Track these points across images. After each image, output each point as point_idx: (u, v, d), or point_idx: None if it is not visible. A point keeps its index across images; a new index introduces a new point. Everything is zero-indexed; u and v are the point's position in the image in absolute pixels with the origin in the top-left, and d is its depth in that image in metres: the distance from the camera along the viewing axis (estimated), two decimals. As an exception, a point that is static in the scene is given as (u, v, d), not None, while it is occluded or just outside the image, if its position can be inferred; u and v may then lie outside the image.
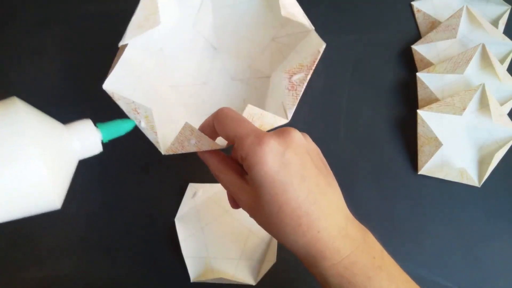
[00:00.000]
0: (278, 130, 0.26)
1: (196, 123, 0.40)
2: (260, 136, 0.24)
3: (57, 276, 0.39)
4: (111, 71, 0.33)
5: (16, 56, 0.46)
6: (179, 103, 0.43)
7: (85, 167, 0.39)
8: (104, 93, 0.46)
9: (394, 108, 0.47)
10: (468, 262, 0.42)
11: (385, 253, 0.27)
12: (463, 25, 0.46)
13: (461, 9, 0.46)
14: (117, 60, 0.34)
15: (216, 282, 0.37)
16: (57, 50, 0.47)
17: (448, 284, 0.41)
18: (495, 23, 0.50)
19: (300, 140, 0.26)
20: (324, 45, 0.33)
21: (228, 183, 0.28)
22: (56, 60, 0.46)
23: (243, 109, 0.32)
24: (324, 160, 0.29)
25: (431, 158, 0.43)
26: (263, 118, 0.32)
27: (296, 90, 0.34)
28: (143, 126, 0.32)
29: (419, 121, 0.44)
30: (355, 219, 0.27)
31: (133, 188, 0.42)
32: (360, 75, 0.48)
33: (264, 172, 0.24)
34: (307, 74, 0.33)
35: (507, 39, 0.47)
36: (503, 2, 0.51)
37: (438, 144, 0.42)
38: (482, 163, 0.44)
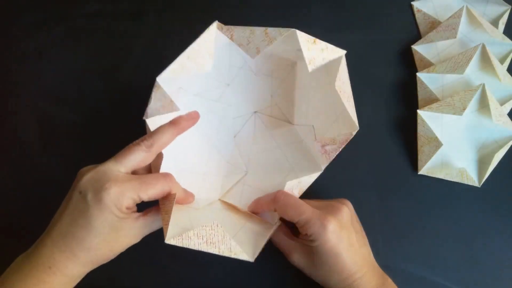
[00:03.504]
0: (332, 208, 0.34)
1: (227, 128, 0.44)
2: (322, 220, 0.32)
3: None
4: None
5: (16, 56, 0.46)
6: (209, 110, 0.42)
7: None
8: (104, 94, 0.46)
9: (394, 108, 0.47)
10: (468, 262, 0.42)
11: None
12: (463, 25, 0.46)
13: (461, 9, 0.46)
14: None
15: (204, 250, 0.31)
16: (57, 50, 0.47)
17: (448, 284, 0.41)
18: (495, 23, 0.50)
19: (348, 217, 0.34)
20: (357, 129, 0.34)
21: (282, 244, 0.37)
22: (56, 60, 0.47)
23: (271, 105, 0.37)
24: (358, 220, 0.38)
25: (431, 158, 0.43)
26: (300, 184, 0.36)
27: (329, 155, 0.36)
28: None
29: (419, 121, 0.44)
30: (378, 267, 0.36)
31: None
32: (360, 75, 0.48)
33: (326, 247, 0.32)
34: (340, 147, 0.35)
35: (507, 39, 0.47)
36: (503, 2, 0.51)
37: (438, 144, 0.42)
38: (482, 163, 0.44)
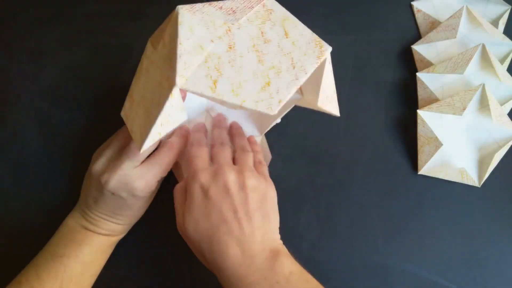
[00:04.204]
0: (217, 168, 0.32)
1: None
2: (195, 173, 0.32)
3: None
4: None
5: (16, 56, 0.46)
6: None
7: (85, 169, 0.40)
8: (104, 94, 0.46)
9: (394, 108, 0.47)
10: (468, 262, 0.42)
11: (294, 277, 0.30)
12: (463, 25, 0.46)
13: (461, 9, 0.46)
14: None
15: None
16: (57, 50, 0.47)
17: (448, 284, 0.41)
18: (495, 23, 0.50)
19: (230, 179, 0.31)
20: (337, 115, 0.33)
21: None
22: (56, 60, 0.47)
23: None
24: (269, 199, 0.33)
25: (431, 158, 0.43)
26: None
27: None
28: None
29: (419, 121, 0.44)
30: (273, 248, 0.31)
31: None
32: (360, 75, 0.48)
33: (191, 200, 0.31)
34: None
35: (507, 39, 0.47)
36: (503, 2, 0.51)
37: (438, 144, 0.42)
38: (482, 163, 0.44)
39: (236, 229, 0.30)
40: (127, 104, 0.33)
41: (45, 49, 0.47)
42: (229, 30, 0.29)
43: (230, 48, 0.28)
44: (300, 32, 0.30)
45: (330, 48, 0.29)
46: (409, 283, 0.41)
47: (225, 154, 0.34)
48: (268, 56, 0.28)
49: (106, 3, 0.49)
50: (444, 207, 0.43)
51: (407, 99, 0.47)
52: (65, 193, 0.42)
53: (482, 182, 0.44)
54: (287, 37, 0.29)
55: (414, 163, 0.45)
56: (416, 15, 0.51)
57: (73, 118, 0.45)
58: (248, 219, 0.30)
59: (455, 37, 0.46)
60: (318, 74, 0.30)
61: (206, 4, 0.29)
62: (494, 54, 0.44)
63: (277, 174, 0.44)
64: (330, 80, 0.31)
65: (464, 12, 0.46)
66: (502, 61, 0.47)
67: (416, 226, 0.43)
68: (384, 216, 0.43)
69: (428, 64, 0.47)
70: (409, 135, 0.45)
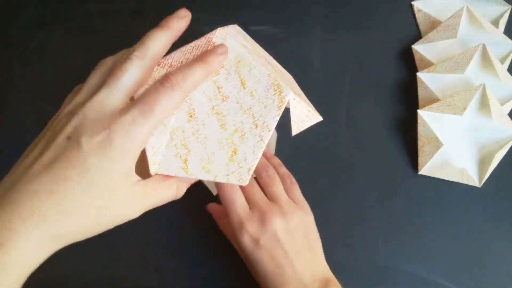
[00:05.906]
0: (261, 215, 0.33)
1: None
2: (241, 223, 0.33)
3: (57, 276, 0.39)
4: None
5: (16, 55, 0.46)
6: None
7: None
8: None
9: (394, 108, 0.47)
10: (468, 262, 0.42)
11: None
12: (464, 25, 0.46)
13: (461, 9, 0.46)
14: None
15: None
16: (57, 50, 0.47)
17: (448, 284, 0.41)
18: (495, 23, 0.50)
19: (277, 227, 0.33)
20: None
21: (213, 207, 0.39)
22: (56, 60, 0.47)
23: None
24: (310, 228, 0.36)
25: (431, 158, 0.43)
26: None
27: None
28: None
29: (419, 121, 0.44)
30: (322, 278, 0.34)
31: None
32: (360, 75, 0.48)
33: (242, 247, 0.33)
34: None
35: (507, 39, 0.47)
36: (504, 2, 0.51)
37: (438, 144, 0.42)
38: (482, 163, 0.44)
39: (288, 270, 0.32)
40: None
41: (45, 48, 0.47)
42: None
43: (191, 116, 0.28)
44: (257, 77, 0.28)
45: (290, 93, 0.28)
46: (409, 283, 0.41)
47: (257, 191, 0.35)
48: (229, 118, 0.28)
49: (106, 3, 0.49)
50: (444, 207, 0.43)
51: (407, 99, 0.47)
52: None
53: (482, 182, 0.44)
54: (244, 88, 0.28)
55: (414, 163, 0.45)
56: (417, 15, 0.51)
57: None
58: (297, 258, 0.33)
59: (456, 37, 0.46)
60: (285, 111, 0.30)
61: (155, 66, 0.29)
62: (494, 54, 0.44)
63: (277, 174, 0.44)
64: (299, 107, 0.30)
65: (464, 12, 0.46)
66: (502, 61, 0.47)
67: (416, 226, 0.43)
68: (384, 216, 0.43)
69: (428, 64, 0.47)
70: (409, 135, 0.45)
